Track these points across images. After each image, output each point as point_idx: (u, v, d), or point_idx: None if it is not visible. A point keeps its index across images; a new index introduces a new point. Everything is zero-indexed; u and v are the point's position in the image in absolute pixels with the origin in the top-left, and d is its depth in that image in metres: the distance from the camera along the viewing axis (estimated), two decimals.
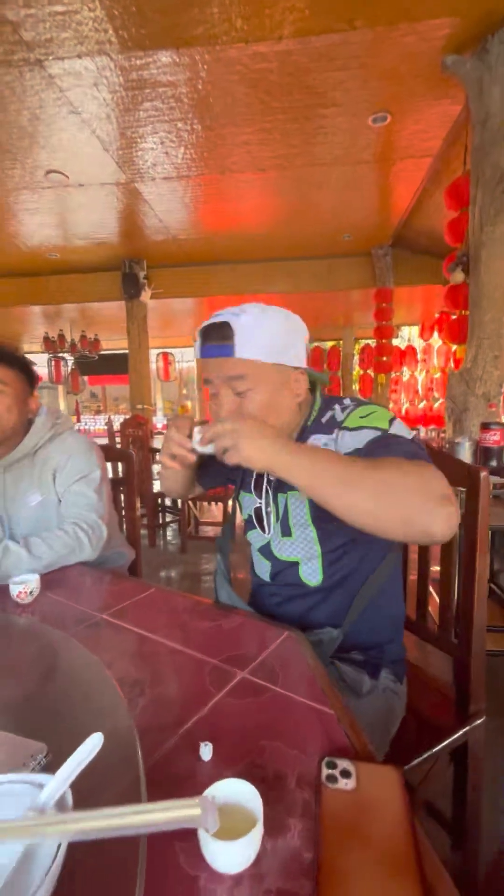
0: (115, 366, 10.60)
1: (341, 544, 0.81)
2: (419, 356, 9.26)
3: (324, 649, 0.78)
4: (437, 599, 1.06)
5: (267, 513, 0.89)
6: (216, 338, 0.75)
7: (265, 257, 5.76)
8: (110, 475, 1.36)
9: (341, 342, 9.44)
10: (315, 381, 0.88)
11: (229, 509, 1.10)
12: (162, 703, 0.58)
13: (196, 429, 0.75)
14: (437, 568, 1.02)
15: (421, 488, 0.60)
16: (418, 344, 9.41)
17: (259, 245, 5.39)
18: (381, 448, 0.69)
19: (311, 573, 0.83)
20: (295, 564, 0.85)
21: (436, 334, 7.83)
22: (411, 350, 9.37)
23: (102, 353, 8.47)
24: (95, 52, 2.45)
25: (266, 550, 0.90)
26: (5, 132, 3.17)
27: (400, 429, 0.74)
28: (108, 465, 1.41)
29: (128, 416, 4.45)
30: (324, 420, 0.83)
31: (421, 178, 3.94)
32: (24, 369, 1.16)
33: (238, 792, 0.40)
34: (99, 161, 3.57)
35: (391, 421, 0.74)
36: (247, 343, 0.74)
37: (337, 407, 0.84)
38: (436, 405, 9.20)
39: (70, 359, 8.62)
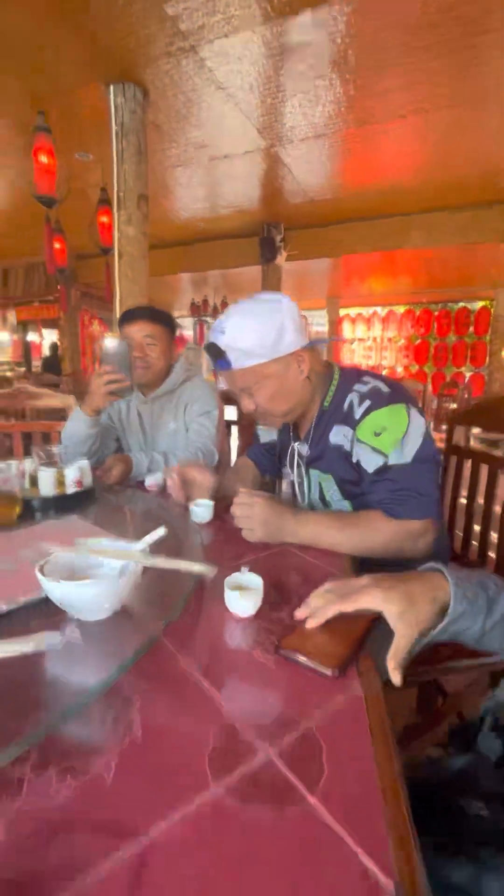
0: None
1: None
2: None
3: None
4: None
5: (299, 484, 1.07)
6: (214, 355, 0.88)
7: (401, 211, 5.43)
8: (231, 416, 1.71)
9: (493, 301, 8.42)
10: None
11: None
12: (222, 548, 0.87)
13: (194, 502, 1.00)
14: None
15: (403, 541, 0.83)
16: None
17: (395, 199, 5.10)
18: (384, 481, 0.86)
19: None
20: None
21: None
22: None
23: None
24: (241, 29, 2.63)
25: None
26: (164, 116, 3.59)
27: (409, 447, 0.84)
28: (229, 408, 1.74)
29: None
30: (345, 406, 0.93)
31: None
32: (170, 326, 1.50)
33: (251, 578, 0.65)
34: (241, 130, 3.80)
35: (403, 436, 0.84)
36: (237, 357, 0.87)
37: (356, 395, 0.91)
38: None
39: (212, 321, 9.38)
